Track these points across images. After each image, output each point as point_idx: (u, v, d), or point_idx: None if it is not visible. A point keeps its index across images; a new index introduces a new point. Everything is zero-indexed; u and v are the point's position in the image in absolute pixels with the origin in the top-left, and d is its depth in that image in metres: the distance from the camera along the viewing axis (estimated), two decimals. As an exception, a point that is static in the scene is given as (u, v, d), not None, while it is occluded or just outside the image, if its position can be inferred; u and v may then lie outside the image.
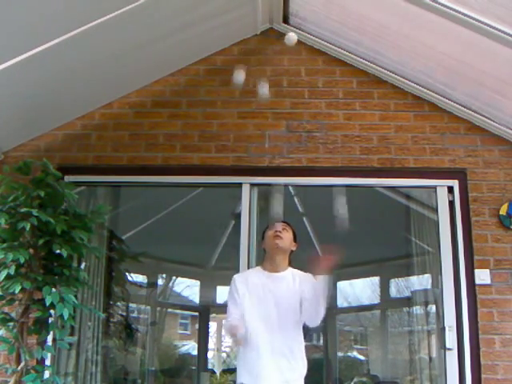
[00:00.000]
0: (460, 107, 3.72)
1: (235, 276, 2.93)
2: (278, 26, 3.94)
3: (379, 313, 7.24)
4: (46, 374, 3.13)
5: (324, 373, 7.07)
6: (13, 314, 2.95)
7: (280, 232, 2.88)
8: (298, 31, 3.90)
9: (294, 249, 2.96)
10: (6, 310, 2.99)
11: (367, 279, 7.48)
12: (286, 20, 3.90)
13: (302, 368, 2.75)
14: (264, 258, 2.96)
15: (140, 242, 5.66)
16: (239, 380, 2.74)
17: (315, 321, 2.72)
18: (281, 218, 3.32)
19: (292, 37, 2.99)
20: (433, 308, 3.81)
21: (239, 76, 3.25)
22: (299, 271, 2.90)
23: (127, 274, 5.94)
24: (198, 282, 7.99)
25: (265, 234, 3.00)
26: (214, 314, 8.58)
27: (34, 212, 2.82)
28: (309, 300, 2.70)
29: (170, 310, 8.34)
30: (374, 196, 4.12)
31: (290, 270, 2.91)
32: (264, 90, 3.11)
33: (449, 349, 3.40)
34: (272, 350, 2.68)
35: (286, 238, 2.90)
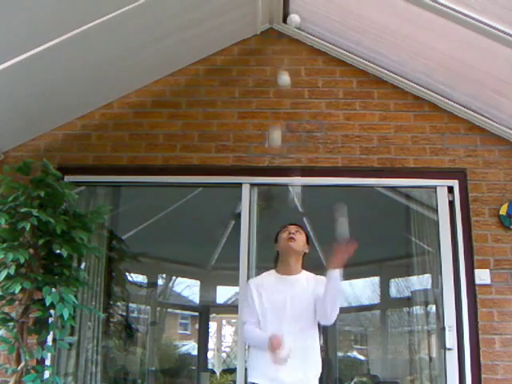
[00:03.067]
0: (460, 107, 3.72)
1: (250, 281, 3.03)
2: (278, 26, 3.94)
3: (379, 313, 7.24)
4: (46, 374, 3.14)
5: (324, 373, 7.07)
6: (13, 314, 2.94)
7: (293, 234, 2.91)
8: (298, 31, 3.90)
9: (307, 251, 2.98)
10: (6, 309, 2.98)
11: (367, 279, 7.47)
12: (286, 20, 3.89)
13: (316, 368, 2.80)
14: (278, 261, 2.98)
15: (140, 242, 5.66)
16: (251, 380, 2.77)
17: (329, 319, 2.74)
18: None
19: (295, 19, 2.87)
20: (433, 308, 3.81)
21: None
22: (313, 274, 2.94)
23: (127, 274, 5.95)
24: (198, 282, 7.99)
25: (278, 237, 3.01)
26: (213, 314, 8.59)
27: (34, 212, 2.82)
28: (322, 298, 2.71)
29: (169, 310, 8.34)
30: (374, 196, 4.12)
31: (304, 272, 2.94)
32: (284, 78, 3.00)
33: (449, 349, 3.40)
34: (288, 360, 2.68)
35: (300, 240, 2.92)
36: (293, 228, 2.96)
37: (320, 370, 2.81)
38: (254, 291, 2.86)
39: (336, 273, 2.67)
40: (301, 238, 2.94)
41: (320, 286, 2.77)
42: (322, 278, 2.82)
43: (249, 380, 2.78)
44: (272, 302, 2.80)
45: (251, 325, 2.83)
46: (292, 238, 2.90)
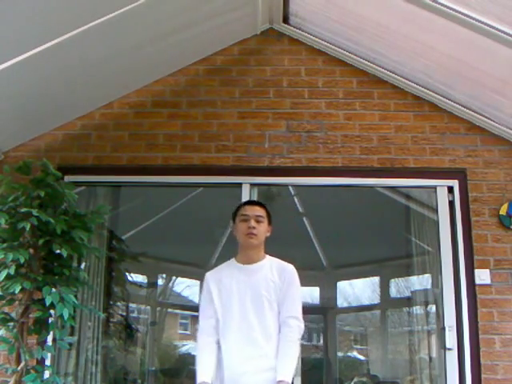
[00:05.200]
0: (460, 107, 3.72)
1: (208, 274, 2.76)
2: (278, 26, 3.94)
3: (379, 313, 7.25)
4: (46, 374, 3.13)
5: (324, 373, 7.08)
6: (13, 314, 2.94)
7: (254, 228, 2.64)
8: (298, 31, 3.91)
9: (268, 234, 2.75)
10: (6, 309, 2.98)
11: (367, 279, 7.48)
12: (285, 20, 3.90)
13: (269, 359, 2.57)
14: (238, 249, 2.75)
15: (140, 242, 5.66)
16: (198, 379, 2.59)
17: None
18: None
19: None
20: (433, 308, 3.81)
21: None
22: (276, 259, 2.73)
23: (127, 274, 5.95)
24: (198, 282, 7.99)
25: (236, 219, 2.75)
26: (213, 314, 8.56)
27: (34, 212, 2.82)
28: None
29: (169, 310, 8.35)
30: (374, 196, 4.12)
31: (268, 258, 2.72)
32: None
33: (449, 349, 3.40)
34: (249, 352, 2.55)
35: (261, 232, 2.67)
36: (253, 218, 2.66)
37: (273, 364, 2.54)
38: (211, 286, 2.67)
39: None
40: (262, 227, 2.67)
41: (283, 278, 2.60)
42: (288, 267, 2.66)
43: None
44: (233, 297, 2.60)
45: (205, 337, 2.69)
46: (251, 234, 2.63)
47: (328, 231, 5.78)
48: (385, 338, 7.03)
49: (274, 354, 2.55)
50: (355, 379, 6.90)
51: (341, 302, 7.80)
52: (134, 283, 6.51)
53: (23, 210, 2.85)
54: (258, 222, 2.67)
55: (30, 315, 2.93)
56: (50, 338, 3.20)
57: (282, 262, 2.71)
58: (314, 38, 3.88)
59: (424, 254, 3.86)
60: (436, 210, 3.69)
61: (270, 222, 2.75)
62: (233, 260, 2.77)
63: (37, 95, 3.29)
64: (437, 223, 3.67)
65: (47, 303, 2.76)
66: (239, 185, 3.70)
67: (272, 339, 2.57)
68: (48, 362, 3.34)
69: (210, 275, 2.75)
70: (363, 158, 3.69)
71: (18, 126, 3.57)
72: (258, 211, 2.72)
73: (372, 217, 5.16)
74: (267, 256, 2.74)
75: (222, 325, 2.64)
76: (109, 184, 3.96)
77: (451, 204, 3.64)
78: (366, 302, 7.67)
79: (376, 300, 7.33)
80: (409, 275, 5.16)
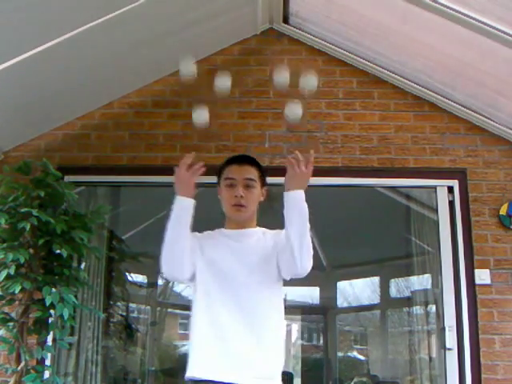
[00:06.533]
0: (460, 107, 3.72)
1: (196, 233, 2.33)
2: (278, 26, 3.94)
3: (379, 313, 7.25)
4: (46, 374, 3.14)
5: (324, 373, 7.08)
6: (13, 314, 2.94)
7: (242, 198, 2.09)
8: (298, 31, 3.91)
9: (262, 199, 2.21)
10: (6, 309, 2.98)
11: (367, 279, 7.48)
12: (286, 20, 3.89)
13: (276, 361, 2.00)
14: (225, 219, 2.25)
15: (140, 242, 5.66)
16: (190, 373, 1.97)
17: (300, 265, 1.96)
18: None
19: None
20: (433, 308, 3.81)
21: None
22: (269, 230, 2.23)
23: (127, 274, 5.95)
24: (198, 282, 7.97)
25: (220, 181, 2.21)
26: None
27: (34, 212, 2.82)
28: (286, 235, 2.00)
29: (170, 310, 8.35)
30: (374, 196, 4.12)
31: (259, 228, 2.23)
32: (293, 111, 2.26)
33: (449, 349, 3.40)
34: (238, 336, 1.98)
35: (252, 201, 2.11)
36: (241, 184, 2.09)
37: (281, 364, 2.00)
38: (196, 244, 2.18)
39: (298, 193, 1.96)
40: (254, 194, 2.11)
41: (282, 236, 2.04)
42: (281, 232, 2.10)
43: (187, 373, 1.98)
44: (217, 263, 2.09)
45: None
46: (239, 205, 2.09)
47: (328, 231, 5.78)
48: (385, 338, 7.03)
49: (268, 343, 1.99)
50: (355, 379, 6.91)
51: (341, 302, 7.80)
52: (134, 283, 6.51)
53: (23, 210, 2.85)
54: (247, 187, 2.11)
55: (30, 315, 2.93)
56: (50, 338, 3.19)
57: (277, 230, 2.19)
58: (314, 37, 3.88)
59: (424, 253, 3.85)
60: (436, 210, 3.69)
61: (263, 184, 2.19)
62: (221, 229, 2.27)
63: (37, 95, 3.29)
64: (437, 223, 3.67)
65: (47, 303, 2.76)
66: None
67: (266, 328, 2.01)
68: (48, 362, 3.33)
69: (196, 234, 2.28)
70: (363, 158, 3.69)
71: (17, 126, 3.57)
72: (249, 173, 2.14)
73: (372, 217, 5.16)
74: (259, 227, 2.24)
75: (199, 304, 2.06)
76: (109, 184, 3.95)
77: (451, 204, 3.64)
78: (365, 302, 7.67)
79: (376, 300, 7.33)
80: (409, 275, 5.16)
